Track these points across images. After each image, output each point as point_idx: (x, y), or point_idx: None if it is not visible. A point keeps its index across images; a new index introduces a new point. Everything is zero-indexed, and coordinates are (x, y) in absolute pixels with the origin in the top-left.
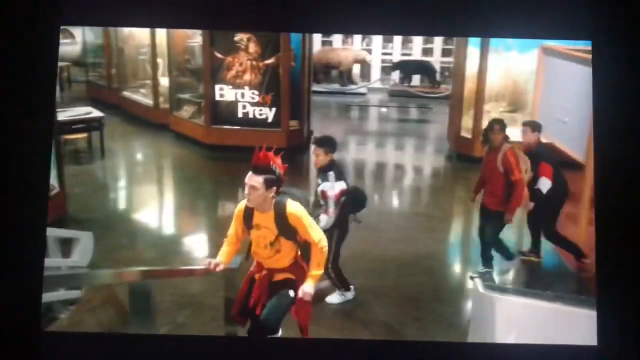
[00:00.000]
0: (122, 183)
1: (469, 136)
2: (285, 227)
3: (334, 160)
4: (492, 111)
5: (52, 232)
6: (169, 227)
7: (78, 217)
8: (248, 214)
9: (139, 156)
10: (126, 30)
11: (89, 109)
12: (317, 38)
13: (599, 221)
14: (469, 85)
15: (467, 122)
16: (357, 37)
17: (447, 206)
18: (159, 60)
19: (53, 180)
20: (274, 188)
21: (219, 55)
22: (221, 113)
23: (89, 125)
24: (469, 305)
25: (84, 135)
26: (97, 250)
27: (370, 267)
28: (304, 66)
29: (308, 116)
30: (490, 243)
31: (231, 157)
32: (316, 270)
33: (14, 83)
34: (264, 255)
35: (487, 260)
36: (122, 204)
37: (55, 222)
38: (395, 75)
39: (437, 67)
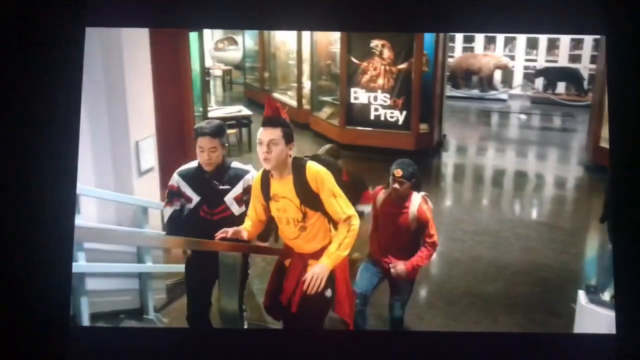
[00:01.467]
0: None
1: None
2: (308, 195)
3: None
4: None
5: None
6: None
7: None
8: (265, 183)
9: None
10: (279, 37)
11: (240, 107)
12: (458, 44)
13: (616, 215)
14: None
15: (607, 132)
16: (500, 43)
17: (574, 218)
18: (305, 66)
19: None
20: (293, 144)
21: (355, 61)
22: (355, 115)
23: (239, 122)
24: (577, 318)
25: (235, 130)
26: None
27: (484, 271)
28: (436, 71)
29: (440, 120)
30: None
31: (362, 156)
32: (336, 249)
33: (41, 84)
34: (289, 234)
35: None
36: None
37: None
38: (539, 82)
39: (585, 74)
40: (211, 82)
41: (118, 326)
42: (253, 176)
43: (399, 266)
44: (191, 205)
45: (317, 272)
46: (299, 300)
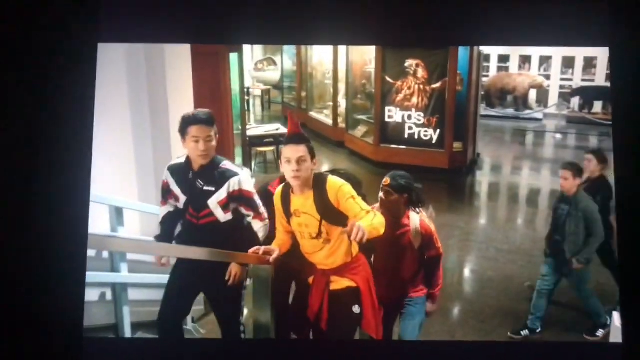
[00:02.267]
0: None
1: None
2: (328, 208)
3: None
4: None
5: None
6: None
7: None
8: (285, 199)
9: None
10: (316, 58)
11: (277, 125)
12: (493, 63)
13: (620, 222)
14: None
15: None
16: (535, 63)
17: None
18: (340, 85)
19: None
20: (315, 159)
21: (390, 80)
22: (389, 133)
23: (276, 139)
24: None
25: (272, 148)
26: None
27: (517, 290)
28: (470, 90)
29: (474, 139)
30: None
31: None
32: (369, 224)
33: (54, 101)
34: (310, 248)
35: None
36: None
37: None
38: (575, 101)
39: None
40: (250, 101)
41: (134, 337)
42: (241, 180)
43: (429, 306)
44: (180, 205)
45: (359, 225)
46: (328, 318)
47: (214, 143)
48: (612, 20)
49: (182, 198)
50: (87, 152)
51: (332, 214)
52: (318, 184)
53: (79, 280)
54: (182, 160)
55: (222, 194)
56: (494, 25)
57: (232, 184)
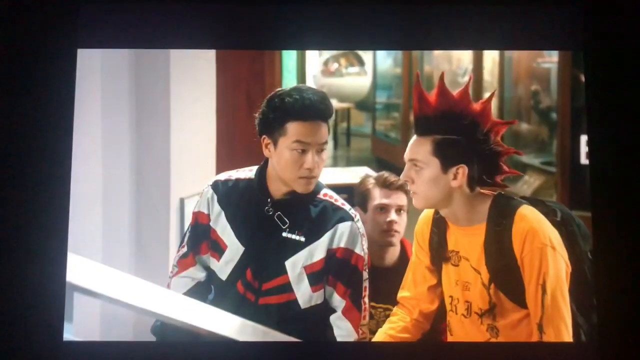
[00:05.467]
0: None
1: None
2: (508, 266)
3: None
4: None
5: None
6: None
7: None
8: (439, 232)
9: None
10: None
11: (365, 169)
12: None
13: (596, 223)
14: None
15: None
16: None
17: None
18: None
19: None
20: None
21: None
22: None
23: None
24: None
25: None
26: None
27: None
28: None
29: None
30: None
31: None
32: None
33: (32, 107)
34: (466, 335)
35: None
36: None
37: None
38: None
39: None
40: None
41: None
42: (359, 227)
43: None
44: (222, 266)
45: None
46: None
47: (326, 155)
48: (586, 23)
49: (235, 250)
50: (67, 158)
51: (513, 278)
52: (499, 211)
53: (60, 281)
54: (250, 174)
55: (318, 251)
56: (455, 27)
57: (340, 234)
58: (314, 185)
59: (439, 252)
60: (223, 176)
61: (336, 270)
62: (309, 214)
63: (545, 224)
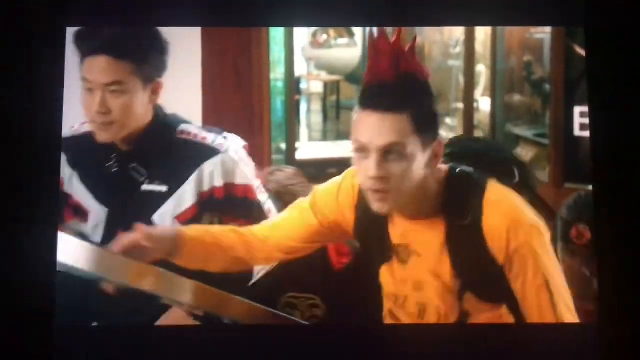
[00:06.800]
0: None
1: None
2: (484, 269)
3: None
4: None
5: None
6: None
7: None
8: (375, 224)
9: None
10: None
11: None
12: None
13: (598, 216)
14: None
15: None
16: None
17: None
18: (481, 69)
19: None
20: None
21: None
22: (580, 160)
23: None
24: None
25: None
26: None
27: None
28: None
29: None
30: None
31: None
32: None
33: (20, 86)
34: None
35: None
36: None
37: None
38: None
39: None
40: (304, 103)
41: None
42: (232, 157)
43: None
44: (92, 232)
45: None
46: None
47: (129, 99)
48: None
49: (97, 213)
50: (56, 139)
51: (485, 273)
52: (461, 190)
53: (51, 267)
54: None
55: (186, 197)
56: (463, 3)
57: (209, 174)
58: (114, 133)
59: (377, 249)
60: (68, 132)
61: (228, 209)
62: (166, 159)
63: (521, 209)
